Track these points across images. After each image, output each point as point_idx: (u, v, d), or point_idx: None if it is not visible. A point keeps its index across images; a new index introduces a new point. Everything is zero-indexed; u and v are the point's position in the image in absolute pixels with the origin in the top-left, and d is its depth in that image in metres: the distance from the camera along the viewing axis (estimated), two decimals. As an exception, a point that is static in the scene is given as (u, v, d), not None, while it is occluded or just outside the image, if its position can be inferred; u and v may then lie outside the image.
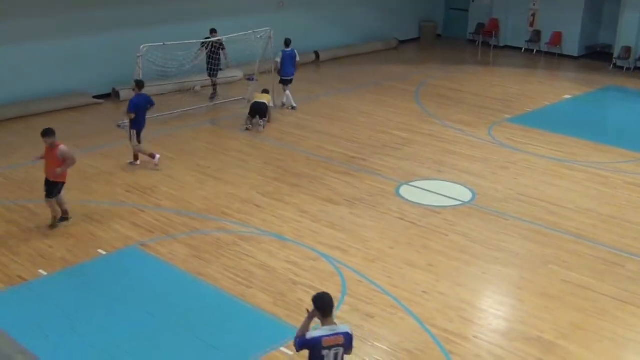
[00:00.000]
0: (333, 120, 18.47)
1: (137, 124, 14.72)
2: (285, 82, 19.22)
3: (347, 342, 6.84)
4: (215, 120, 18.35)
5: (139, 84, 14.84)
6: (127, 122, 15.46)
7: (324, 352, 6.74)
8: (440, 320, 9.64)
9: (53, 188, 11.99)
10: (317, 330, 6.76)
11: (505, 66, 25.73)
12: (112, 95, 19.79)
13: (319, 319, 6.83)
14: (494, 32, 28.35)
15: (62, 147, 11.82)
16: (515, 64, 25.97)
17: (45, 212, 12.56)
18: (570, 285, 10.64)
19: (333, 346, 6.75)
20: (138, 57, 16.75)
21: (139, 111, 14.62)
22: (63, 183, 12.10)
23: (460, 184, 14.35)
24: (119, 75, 19.19)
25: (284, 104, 19.19)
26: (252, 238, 11.90)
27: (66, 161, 11.80)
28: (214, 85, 19.92)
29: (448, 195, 13.85)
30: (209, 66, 19.50)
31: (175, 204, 13.15)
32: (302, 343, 6.77)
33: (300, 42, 23.29)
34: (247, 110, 17.56)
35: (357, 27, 26.76)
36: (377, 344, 9.12)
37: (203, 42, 19.11)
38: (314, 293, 9.86)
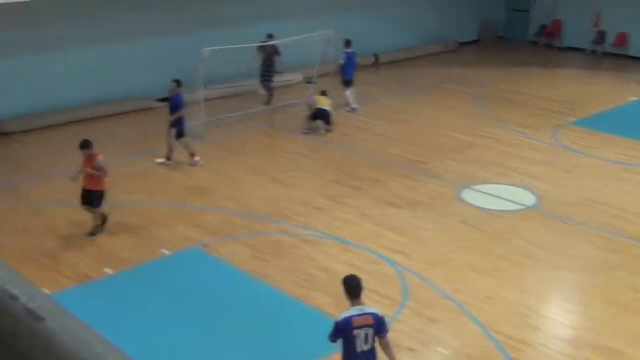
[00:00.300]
0: (393, 122, 18.40)
1: (181, 122, 15.02)
2: (347, 83, 19.25)
3: (376, 323, 7.06)
4: (274, 123, 18.43)
5: (179, 83, 15.06)
6: (191, 123, 15.66)
7: (355, 332, 6.96)
8: (504, 326, 9.49)
9: (94, 197, 11.88)
10: (345, 312, 7.03)
11: (569, 68, 25.27)
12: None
13: (348, 300, 7.13)
14: (556, 33, 27.86)
15: (100, 157, 11.81)
16: (578, 66, 25.48)
17: (109, 211, 12.82)
18: (638, 292, 10.36)
19: (363, 326, 6.97)
20: (200, 60, 16.92)
21: (183, 109, 14.98)
22: (103, 191, 11.96)
23: (524, 188, 14.13)
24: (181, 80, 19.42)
25: (348, 104, 19.29)
26: (313, 240, 11.91)
27: (100, 171, 11.72)
28: (270, 90, 19.86)
29: (511, 199, 13.64)
30: (263, 71, 19.51)
31: (237, 205, 13.25)
32: (335, 328, 7.02)
33: (359, 45, 23.29)
34: (307, 113, 17.57)
35: (416, 29, 26.59)
36: (439, 348, 9.03)
37: (259, 47, 19.20)
38: (375, 297, 9.91)
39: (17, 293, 1.14)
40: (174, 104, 15.07)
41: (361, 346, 7.04)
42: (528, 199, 13.65)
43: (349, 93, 19.21)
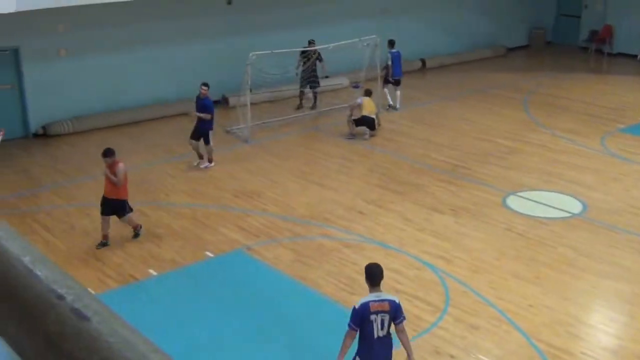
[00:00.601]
0: (437, 127, 18.35)
1: (209, 125, 15.23)
2: (396, 83, 19.53)
3: (393, 309, 7.37)
4: (320, 127, 18.51)
5: (208, 86, 15.34)
6: (237, 127, 15.83)
7: (372, 317, 7.27)
8: (547, 335, 9.41)
9: (119, 207, 11.75)
10: (363, 298, 7.42)
11: (619, 74, 24.88)
12: (221, 102, 20.29)
13: (368, 287, 7.53)
14: (607, 39, 27.45)
15: (121, 164, 11.63)
16: (629, 72, 25.06)
17: (155, 213, 13.06)
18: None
19: (379, 312, 7.29)
20: (247, 65, 17.09)
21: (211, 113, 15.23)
22: (126, 200, 11.82)
23: (570, 195, 13.97)
24: (228, 83, 19.67)
25: (392, 104, 19.50)
26: (356, 245, 11.96)
27: (117, 176, 11.50)
28: (314, 95, 19.92)
29: (557, 206, 13.51)
30: (306, 77, 19.56)
31: (280, 209, 13.37)
32: (354, 314, 7.34)
33: (405, 49, 23.26)
34: (350, 117, 17.55)
35: (464, 34, 26.46)
36: (480, 356, 8.99)
37: (302, 52, 19.31)
38: (417, 302, 9.92)
39: (63, 293, 1.20)
40: (204, 106, 15.24)
41: (377, 332, 7.32)
42: (574, 206, 13.50)
43: (399, 93, 19.53)
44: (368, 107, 17.53)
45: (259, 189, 14.35)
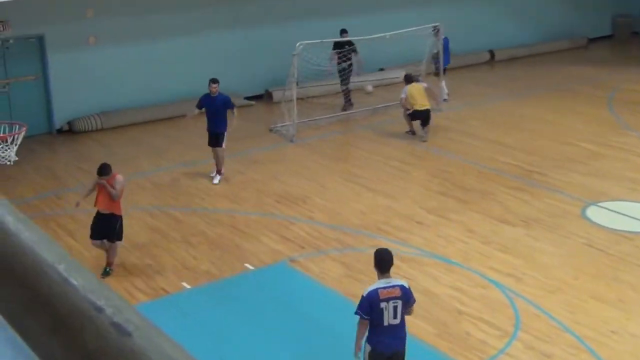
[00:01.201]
0: (507, 128, 18.19)
1: (223, 126, 14.93)
2: (444, 72, 19.69)
3: (404, 295, 7.75)
4: (374, 126, 18.47)
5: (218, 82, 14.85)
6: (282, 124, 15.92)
7: (382, 305, 7.62)
8: (632, 366, 9.26)
9: (111, 226, 11.26)
10: (371, 285, 7.81)
11: None
12: (264, 97, 20.43)
13: (377, 273, 7.98)
14: None
15: (119, 176, 11.33)
16: None
17: (190, 219, 13.20)
18: None
19: (391, 298, 7.65)
20: (293, 55, 17.15)
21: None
22: (120, 218, 11.37)
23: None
24: (271, 76, 19.79)
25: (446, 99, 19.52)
26: (413, 259, 11.91)
27: (116, 188, 11.14)
28: (345, 94, 19.63)
29: (643, 219, 13.30)
30: (340, 74, 19.41)
31: (329, 217, 13.38)
32: (362, 302, 7.72)
33: (472, 40, 23.14)
34: (405, 112, 17.37)
35: (539, 23, 26.20)
36: (555, 388, 8.88)
37: (336, 44, 19.03)
38: (483, 326, 9.85)
39: (102, 304, 1.21)
40: (225, 103, 14.77)
41: (389, 320, 7.62)
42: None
43: (444, 84, 19.50)
44: (418, 96, 17.04)
45: (305, 193, 14.39)
